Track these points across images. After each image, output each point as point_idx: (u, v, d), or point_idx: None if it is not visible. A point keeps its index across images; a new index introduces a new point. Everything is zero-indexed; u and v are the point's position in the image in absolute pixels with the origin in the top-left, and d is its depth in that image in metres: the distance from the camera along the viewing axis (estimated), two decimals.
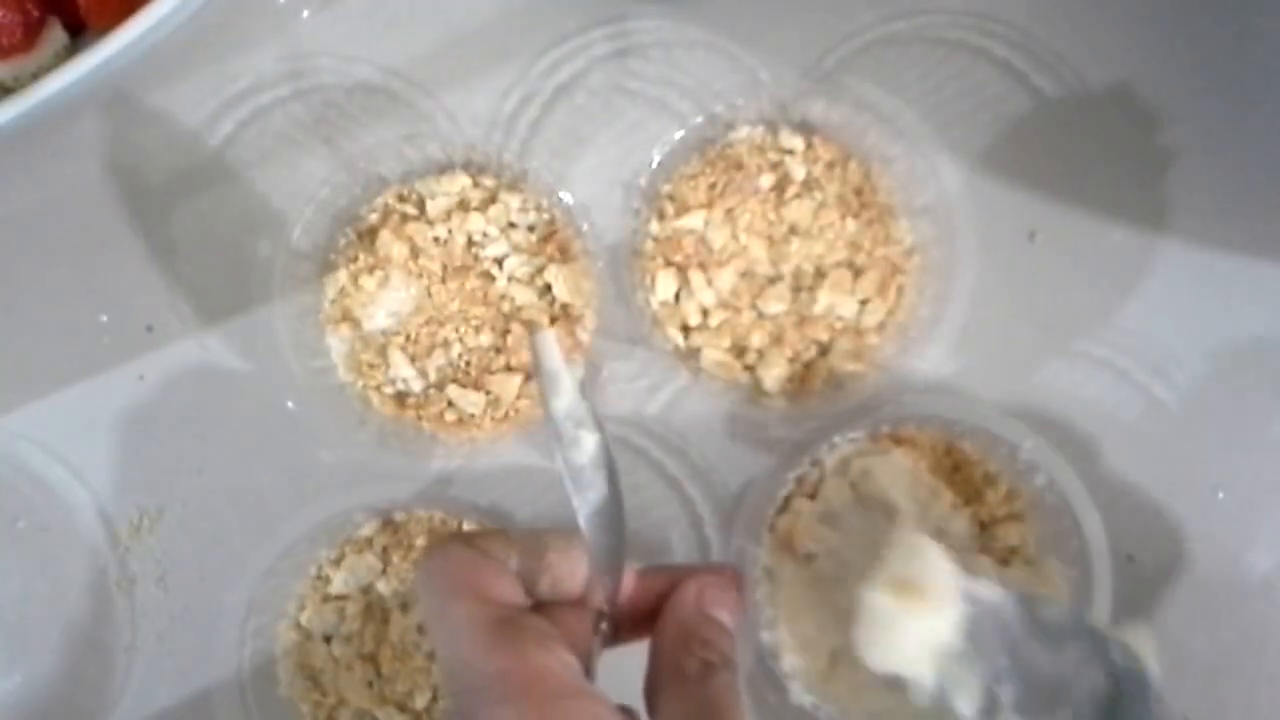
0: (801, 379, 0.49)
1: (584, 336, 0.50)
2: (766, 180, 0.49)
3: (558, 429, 0.35)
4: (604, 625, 0.35)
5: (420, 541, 0.51)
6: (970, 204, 0.50)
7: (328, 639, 0.51)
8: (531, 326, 0.35)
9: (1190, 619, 0.48)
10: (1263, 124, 0.49)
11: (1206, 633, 0.48)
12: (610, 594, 0.35)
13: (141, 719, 0.53)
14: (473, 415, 0.50)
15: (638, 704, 0.34)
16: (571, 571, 0.35)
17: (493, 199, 0.51)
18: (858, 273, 0.49)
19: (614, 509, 0.35)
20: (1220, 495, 0.49)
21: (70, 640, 0.54)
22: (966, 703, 0.39)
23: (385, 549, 0.51)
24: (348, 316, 0.51)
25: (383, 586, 0.51)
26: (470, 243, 0.51)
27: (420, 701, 0.49)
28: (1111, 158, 0.50)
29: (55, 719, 0.54)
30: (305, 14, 0.54)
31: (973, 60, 0.51)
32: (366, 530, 0.52)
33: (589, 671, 0.33)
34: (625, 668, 0.35)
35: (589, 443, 0.35)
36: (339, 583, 0.51)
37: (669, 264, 0.49)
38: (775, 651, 0.46)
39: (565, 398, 0.35)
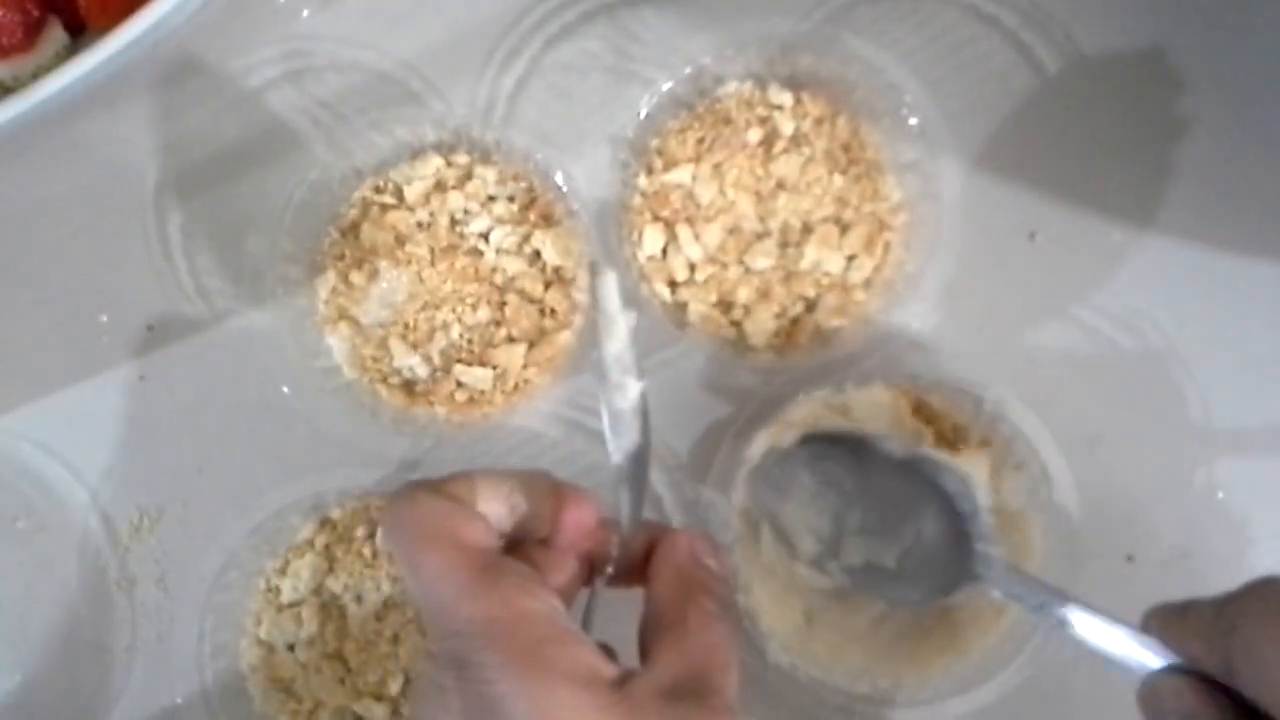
0: (788, 334, 0.49)
1: (580, 297, 0.50)
2: (754, 135, 0.49)
3: (606, 371, 0.35)
4: (609, 569, 0.35)
5: (360, 532, 0.51)
6: (970, 203, 0.50)
7: (291, 647, 0.51)
8: (592, 265, 0.35)
9: None
10: (1266, 124, 0.49)
11: None
12: (626, 539, 0.36)
13: (141, 719, 0.53)
14: (483, 392, 0.50)
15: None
16: (539, 513, 0.35)
17: (468, 175, 0.52)
18: (845, 228, 0.49)
19: (643, 458, 0.36)
20: (1220, 495, 0.49)
21: (70, 640, 0.54)
22: (808, 545, 0.45)
23: (327, 546, 0.52)
24: (344, 315, 0.51)
25: (332, 584, 0.51)
26: (453, 222, 0.51)
27: (394, 687, 0.49)
28: (1116, 155, 0.50)
29: (55, 719, 0.54)
30: (305, 13, 0.54)
31: (961, 15, 0.51)
32: (305, 533, 0.52)
33: (570, 608, 0.34)
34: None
35: (633, 390, 0.36)
36: (289, 590, 0.51)
37: (656, 219, 0.50)
38: (752, 614, 0.46)
39: (618, 342, 0.35)
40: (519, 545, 0.34)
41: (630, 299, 0.49)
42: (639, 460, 0.36)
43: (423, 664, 0.32)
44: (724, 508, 0.47)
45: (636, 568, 0.36)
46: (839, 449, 0.44)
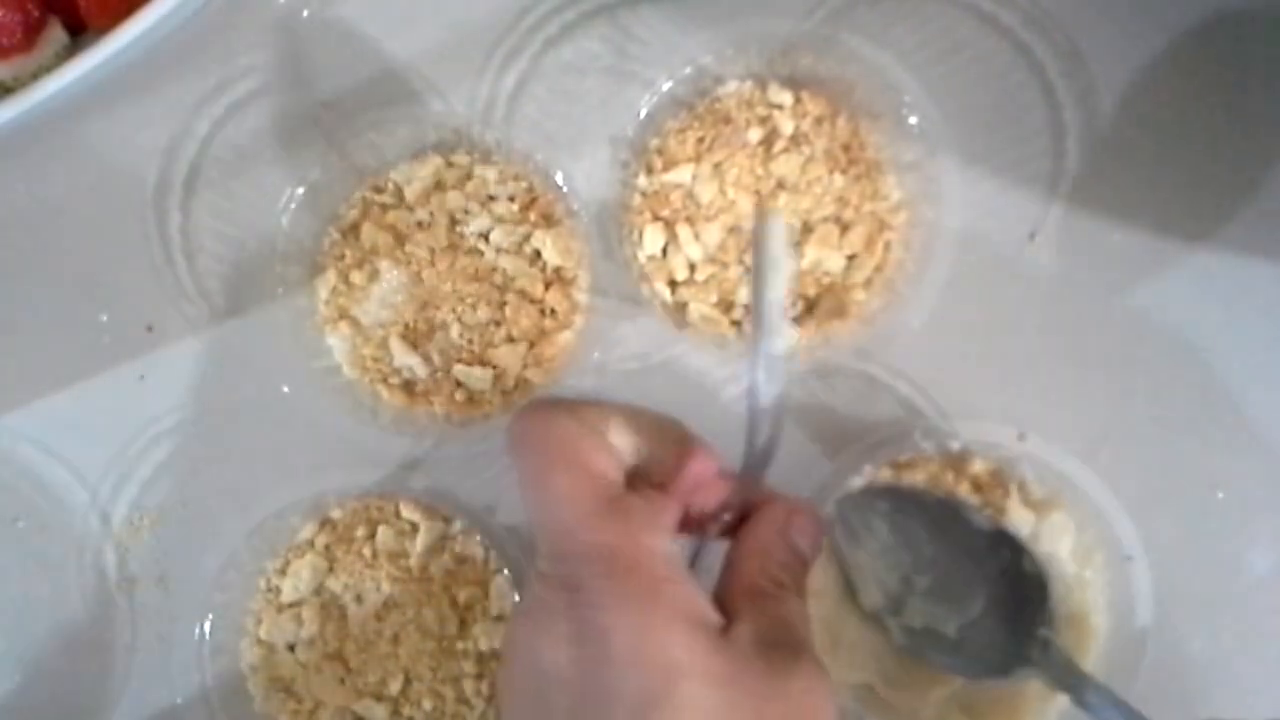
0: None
1: (580, 297, 0.50)
2: (754, 134, 0.50)
3: (763, 316, 0.34)
4: (725, 516, 0.35)
5: (360, 533, 0.51)
6: (970, 203, 0.50)
7: (291, 647, 0.51)
8: (761, 210, 0.34)
9: (1190, 619, 0.48)
10: (1266, 121, 0.49)
11: (1206, 633, 0.48)
12: (749, 489, 0.35)
13: (141, 719, 0.53)
14: (483, 391, 0.50)
15: None
16: (663, 457, 0.34)
17: (468, 175, 0.52)
18: (845, 228, 0.49)
19: (780, 413, 0.35)
20: (1220, 495, 0.49)
21: (70, 640, 0.54)
22: (873, 596, 0.45)
23: (327, 546, 0.52)
24: (344, 315, 0.51)
25: (333, 584, 0.51)
26: (453, 221, 0.51)
27: (394, 687, 0.49)
28: (1115, 155, 0.50)
29: (55, 719, 0.54)
30: (305, 14, 0.54)
31: (961, 15, 0.51)
32: (305, 533, 0.52)
33: (692, 562, 0.34)
34: None
35: (790, 336, 0.36)
36: (289, 590, 0.51)
37: (656, 218, 0.50)
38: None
39: (779, 288, 0.34)
40: (635, 484, 0.34)
41: (631, 298, 0.50)
42: (777, 413, 0.35)
43: (532, 583, 0.32)
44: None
45: (734, 524, 0.36)
46: (923, 509, 0.45)
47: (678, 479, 0.34)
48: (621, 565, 0.30)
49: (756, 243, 0.34)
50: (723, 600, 0.33)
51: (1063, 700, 0.44)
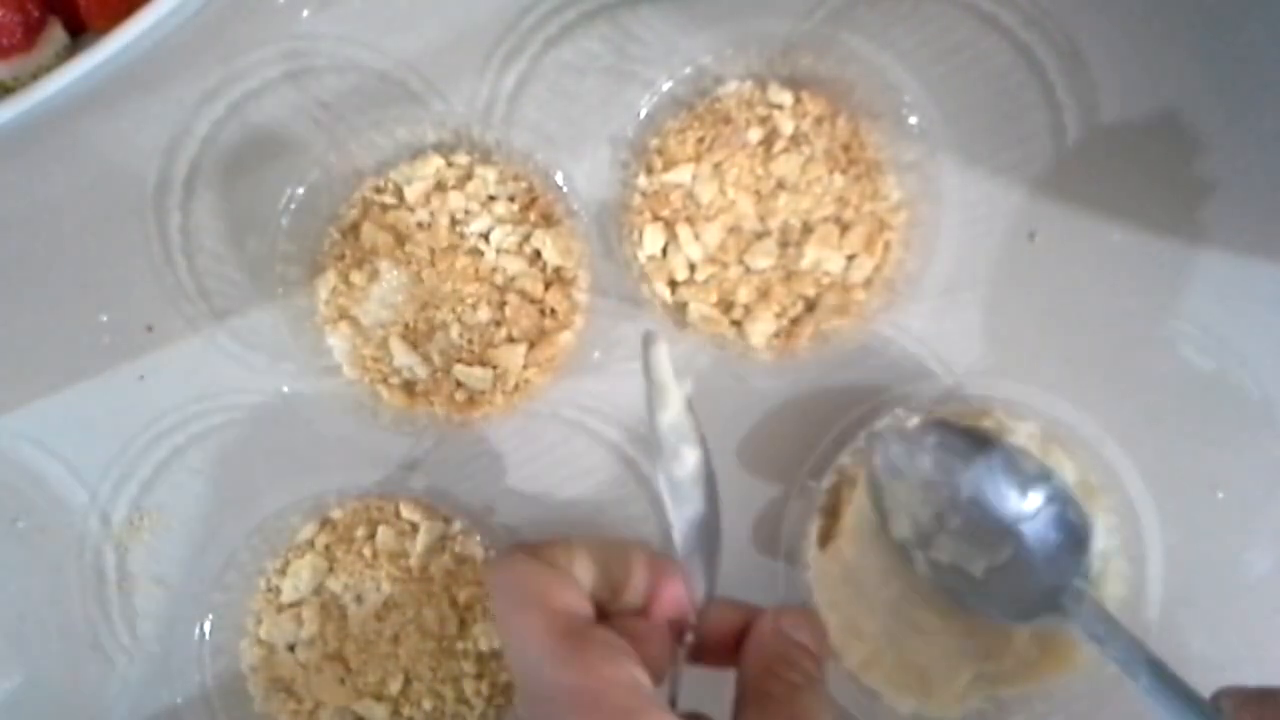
0: (788, 334, 0.49)
1: (580, 297, 0.50)
2: (755, 134, 0.50)
3: (660, 442, 0.35)
4: (688, 638, 0.35)
5: (360, 532, 0.51)
6: (970, 203, 0.50)
7: (291, 647, 0.51)
8: (645, 337, 0.35)
9: (1190, 619, 0.48)
10: (1267, 125, 0.50)
11: (1206, 633, 0.48)
12: (698, 609, 0.35)
13: (141, 719, 0.53)
14: (483, 392, 0.50)
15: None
16: (634, 583, 0.35)
17: (469, 175, 0.52)
18: (845, 228, 0.49)
19: (710, 525, 0.36)
20: (1220, 495, 0.49)
21: (70, 640, 0.54)
22: (903, 528, 0.45)
23: (327, 546, 0.52)
24: (344, 315, 0.51)
25: (333, 584, 0.51)
26: (454, 222, 0.51)
27: (394, 687, 0.49)
28: (1115, 155, 0.50)
29: (55, 719, 0.54)
30: (305, 13, 0.54)
31: (960, 15, 0.51)
32: (305, 533, 0.52)
33: (660, 681, 0.34)
34: (710, 681, 0.35)
35: (690, 458, 0.35)
36: (289, 590, 0.51)
37: (656, 218, 0.50)
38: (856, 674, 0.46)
39: (671, 411, 0.35)
40: (615, 615, 0.34)
41: (631, 298, 0.49)
42: (707, 529, 0.35)
43: None
44: (804, 586, 0.47)
45: (729, 648, 0.36)
46: (969, 446, 0.45)
47: (654, 604, 0.35)
48: (584, 701, 0.30)
49: (644, 371, 0.34)
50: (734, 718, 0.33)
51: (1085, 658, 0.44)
